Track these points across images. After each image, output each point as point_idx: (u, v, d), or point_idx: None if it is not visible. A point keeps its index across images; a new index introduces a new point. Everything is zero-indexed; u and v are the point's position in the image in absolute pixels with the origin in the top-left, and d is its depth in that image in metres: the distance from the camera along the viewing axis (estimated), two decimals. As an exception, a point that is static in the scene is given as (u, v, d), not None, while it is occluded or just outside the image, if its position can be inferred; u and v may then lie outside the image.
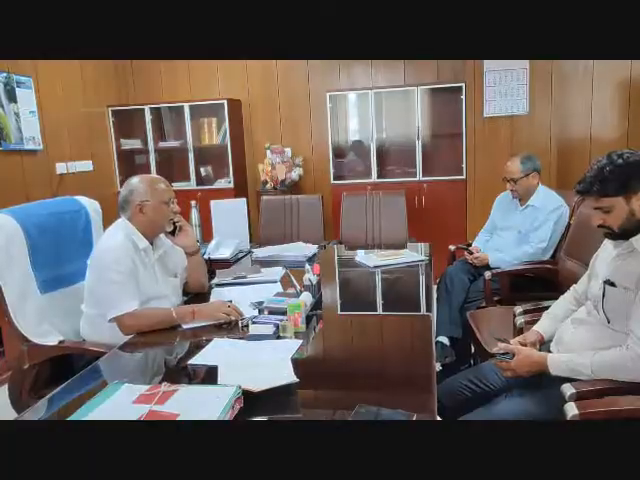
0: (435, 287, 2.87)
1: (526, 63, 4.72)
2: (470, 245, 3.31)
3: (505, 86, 4.79)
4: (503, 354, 1.70)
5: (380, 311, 2.26)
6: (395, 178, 4.99)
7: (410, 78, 5.01)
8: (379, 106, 4.99)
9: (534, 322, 1.95)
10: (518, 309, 2.19)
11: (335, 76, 5.18)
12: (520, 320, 2.11)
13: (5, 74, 3.97)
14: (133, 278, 2.01)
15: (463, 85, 4.72)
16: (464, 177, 4.85)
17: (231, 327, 1.91)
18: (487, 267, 2.98)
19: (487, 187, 4.64)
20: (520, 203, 3.11)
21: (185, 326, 1.95)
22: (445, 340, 2.84)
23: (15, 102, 4.06)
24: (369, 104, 4.91)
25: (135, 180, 2.16)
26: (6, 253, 2.03)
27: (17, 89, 4.07)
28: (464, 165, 4.84)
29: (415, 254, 2.90)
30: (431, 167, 4.95)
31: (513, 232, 3.08)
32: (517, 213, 3.11)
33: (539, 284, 2.86)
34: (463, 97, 4.73)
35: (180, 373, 1.65)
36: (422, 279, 2.68)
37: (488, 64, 4.77)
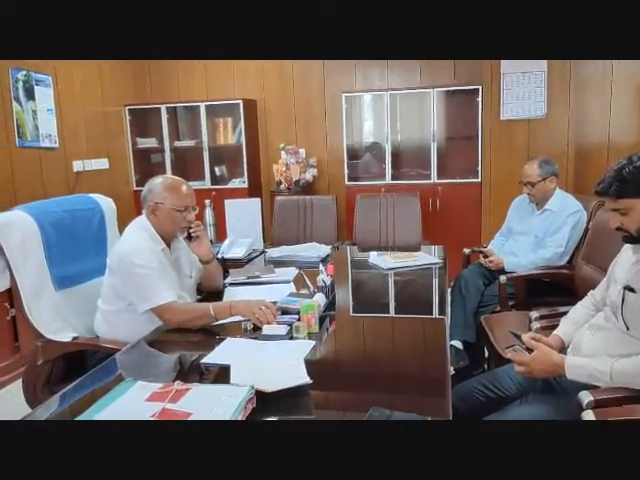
0: (449, 290, 2.85)
1: (544, 66, 4.67)
2: (485, 248, 3.27)
3: (522, 89, 4.75)
4: (520, 346, 1.65)
5: (393, 314, 2.24)
6: (409, 180, 4.97)
7: (426, 80, 4.98)
8: (394, 107, 4.97)
9: (550, 327, 1.93)
10: (534, 314, 2.16)
11: (351, 77, 5.17)
12: (536, 325, 2.08)
13: (24, 72, 4.01)
14: (163, 274, 2.01)
15: (480, 88, 4.69)
16: (479, 180, 4.81)
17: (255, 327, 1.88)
18: (502, 271, 2.95)
19: (503, 190, 4.60)
20: (537, 207, 3.07)
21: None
22: (459, 344, 2.81)
23: (33, 100, 4.10)
24: (384, 105, 4.89)
25: (158, 180, 2.16)
26: (22, 250, 2.04)
27: (36, 87, 4.12)
28: (479, 168, 4.80)
29: (429, 257, 2.88)
30: (446, 169, 4.93)
31: (529, 236, 3.05)
32: (534, 217, 3.07)
33: (555, 289, 2.82)
34: (479, 100, 4.70)
35: (193, 372, 1.65)
36: (435, 282, 2.66)
37: (505, 67, 4.73)
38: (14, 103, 3.93)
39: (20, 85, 3.98)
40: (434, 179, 4.85)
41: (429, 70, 4.97)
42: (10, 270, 2.06)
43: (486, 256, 3.10)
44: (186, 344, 1.91)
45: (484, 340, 2.60)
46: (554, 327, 1.89)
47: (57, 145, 4.38)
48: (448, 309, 2.14)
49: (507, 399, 1.76)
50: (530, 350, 1.65)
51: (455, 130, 4.96)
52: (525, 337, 1.69)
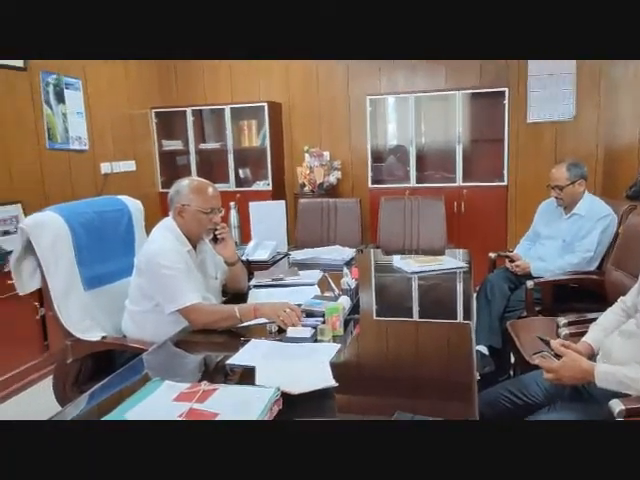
0: (474, 295, 2.82)
1: (572, 67, 4.60)
2: (511, 253, 3.23)
3: (550, 91, 4.69)
4: (548, 352, 1.63)
5: (417, 318, 2.23)
6: (434, 183, 4.94)
7: (451, 82, 4.95)
8: (418, 110, 4.95)
9: (579, 334, 1.89)
10: (562, 320, 2.13)
11: (375, 80, 5.16)
12: (564, 331, 2.05)
13: (55, 76, 4.10)
14: (189, 275, 2.04)
15: (506, 90, 4.64)
16: (505, 183, 4.76)
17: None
18: (529, 276, 2.91)
19: (529, 194, 4.54)
20: (565, 211, 3.03)
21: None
22: (484, 349, 2.78)
23: (63, 103, 4.19)
24: (409, 108, 4.87)
25: (185, 181, 2.18)
26: (53, 250, 2.08)
27: (66, 90, 4.20)
28: (505, 171, 4.75)
29: (454, 261, 2.86)
30: (471, 172, 4.89)
31: (557, 241, 3.00)
32: (562, 221, 3.03)
33: (583, 295, 2.77)
34: (506, 102, 4.65)
35: (218, 372, 1.66)
36: (460, 286, 2.64)
37: (532, 69, 4.67)
38: (45, 106, 4.02)
39: (51, 89, 4.06)
40: (459, 182, 4.81)
41: (454, 72, 4.94)
42: (41, 270, 2.10)
43: (512, 260, 3.06)
44: (211, 345, 1.93)
45: (510, 346, 2.56)
46: (583, 334, 1.86)
47: (87, 147, 4.46)
48: (474, 314, 2.12)
49: (534, 406, 1.74)
50: (558, 356, 1.62)
51: (480, 133, 4.92)
52: (554, 343, 1.66)
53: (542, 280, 2.81)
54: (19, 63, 3.78)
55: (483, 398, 1.79)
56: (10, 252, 3.15)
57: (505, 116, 4.67)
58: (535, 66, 4.65)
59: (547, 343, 1.69)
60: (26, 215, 3.61)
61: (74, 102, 4.30)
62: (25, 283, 2.15)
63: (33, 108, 3.95)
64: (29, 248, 2.09)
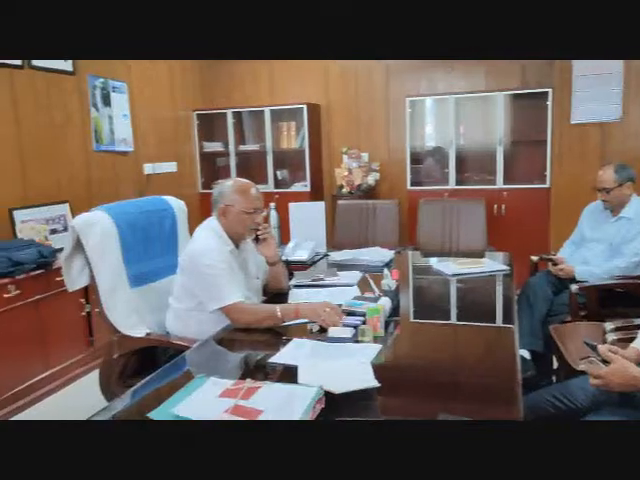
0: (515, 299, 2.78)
1: (620, 67, 4.47)
2: (555, 256, 3.16)
3: (595, 91, 4.56)
4: (595, 358, 1.59)
5: (457, 321, 2.21)
6: (473, 185, 4.88)
7: (492, 83, 4.88)
8: (458, 111, 4.90)
9: (627, 340, 1.84)
10: (609, 325, 2.07)
11: (415, 81, 5.13)
12: (611, 337, 2.00)
13: (102, 79, 4.23)
14: (232, 274, 2.07)
15: (550, 91, 4.55)
16: (548, 185, 4.66)
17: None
18: (572, 280, 2.84)
19: (573, 196, 4.42)
20: (612, 214, 2.95)
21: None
22: (526, 354, 2.73)
23: (110, 106, 4.31)
24: (449, 109, 4.83)
25: (228, 182, 2.22)
26: (101, 247, 2.15)
27: (112, 94, 4.33)
28: (548, 173, 4.65)
29: (496, 263, 2.82)
30: (512, 174, 4.81)
31: (603, 244, 2.93)
32: (608, 224, 2.95)
33: (630, 300, 2.69)
34: (549, 103, 4.56)
35: (260, 370, 1.68)
36: (500, 290, 2.60)
37: (577, 68, 4.56)
38: (92, 109, 4.15)
39: (98, 92, 4.19)
40: (499, 184, 4.74)
41: (495, 73, 4.86)
42: (90, 268, 2.17)
43: (556, 264, 3.00)
44: (253, 343, 1.96)
45: (553, 350, 2.51)
46: (631, 339, 1.81)
47: (131, 149, 4.58)
48: (516, 318, 2.08)
49: (578, 412, 1.70)
50: (606, 362, 1.58)
51: (521, 134, 4.83)
52: (601, 348, 1.62)
53: (587, 284, 2.74)
54: (68, 67, 3.92)
55: (526, 403, 1.76)
56: (58, 250, 3.28)
57: (548, 117, 4.58)
58: (580, 66, 4.53)
59: (594, 348, 1.64)
60: (73, 214, 3.73)
61: (120, 105, 4.42)
62: (74, 280, 2.22)
63: (81, 111, 4.08)
64: (78, 246, 2.16)
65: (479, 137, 5.01)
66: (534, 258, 3.27)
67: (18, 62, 3.53)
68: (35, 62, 3.64)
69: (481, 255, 3.12)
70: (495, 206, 4.67)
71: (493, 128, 4.76)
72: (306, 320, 1.94)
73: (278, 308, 1.99)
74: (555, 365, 2.70)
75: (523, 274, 3.21)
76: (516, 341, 1.80)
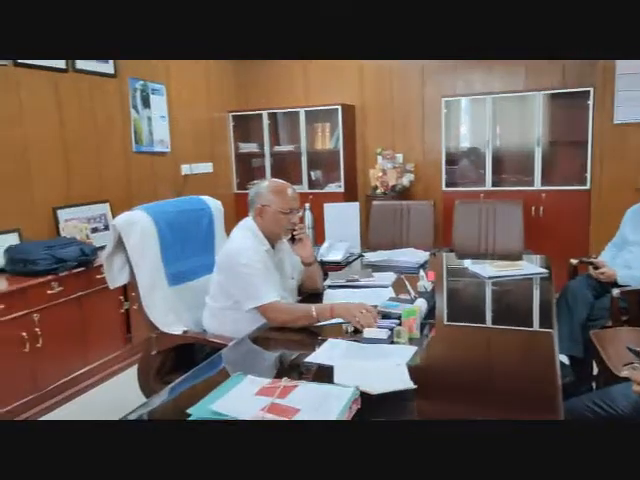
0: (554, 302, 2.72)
1: (666, 65, 4.33)
2: (595, 259, 3.09)
3: None
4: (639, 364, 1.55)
5: (495, 324, 2.18)
6: (510, 186, 4.80)
7: (531, 83, 4.79)
8: (495, 111, 4.82)
9: (672, 347, 1.78)
10: (653, 331, 2.01)
11: (451, 81, 5.08)
12: (655, 343, 1.94)
13: (142, 82, 4.32)
14: (267, 274, 2.09)
15: (591, 90, 4.44)
16: (588, 187, 4.55)
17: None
18: (614, 284, 2.77)
19: (614, 198, 4.31)
20: (656, 216, 2.86)
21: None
22: (565, 359, 2.67)
23: (149, 107, 4.41)
24: (486, 110, 4.77)
25: (265, 183, 2.25)
26: (141, 246, 2.19)
27: (151, 96, 4.42)
28: (588, 174, 4.54)
29: (534, 266, 2.77)
30: (550, 176, 4.72)
31: (648, 248, 2.84)
32: (653, 227, 2.86)
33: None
34: (590, 102, 4.45)
35: (296, 370, 1.69)
36: (537, 293, 2.56)
37: (621, 67, 4.43)
38: (132, 111, 4.25)
39: (138, 94, 4.29)
40: (537, 185, 4.65)
41: (535, 72, 4.78)
42: (130, 265, 2.22)
43: (596, 267, 2.92)
44: (288, 343, 1.97)
45: (593, 356, 2.45)
46: (677, 346, 1.75)
47: (168, 150, 4.67)
48: (555, 322, 2.04)
49: (620, 419, 1.65)
50: None
51: (561, 134, 4.74)
52: None
53: (629, 289, 2.67)
54: (110, 70, 4.02)
55: (565, 409, 1.73)
56: (99, 248, 3.37)
57: (589, 117, 4.47)
58: (623, 65, 4.40)
59: (638, 354, 1.60)
60: (113, 214, 3.83)
61: (158, 106, 4.52)
62: (115, 277, 2.28)
63: (122, 113, 4.18)
64: (119, 244, 2.21)
65: (516, 137, 4.93)
66: (574, 261, 3.20)
67: (62, 66, 3.65)
68: (79, 65, 3.75)
69: (518, 258, 3.07)
70: (533, 208, 4.58)
71: (531, 128, 4.68)
72: (341, 320, 1.94)
73: (313, 307, 2.00)
74: (595, 371, 2.63)
75: (562, 277, 3.14)
76: (556, 346, 1.76)
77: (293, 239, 2.28)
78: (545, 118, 4.66)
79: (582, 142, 4.54)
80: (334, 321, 1.96)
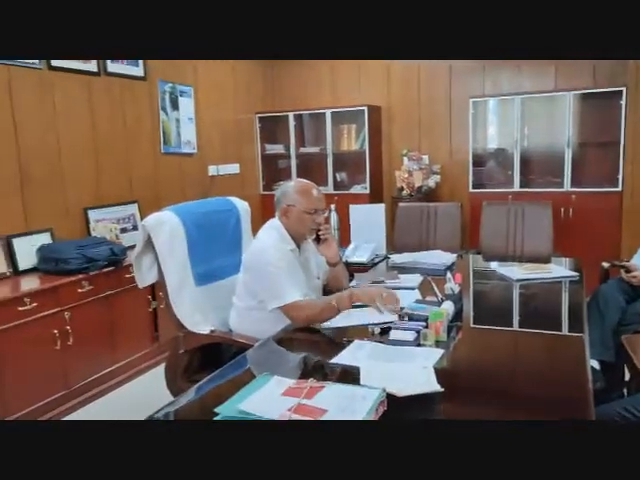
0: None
1: (702, 64, 4.22)
2: (627, 262, 3.02)
3: (674, 89, 4.32)
4: None
5: (523, 328, 2.15)
6: (539, 188, 4.73)
7: (562, 83, 4.72)
8: (524, 112, 4.76)
9: None
10: (688, 337, 1.96)
11: (479, 81, 5.03)
12: (690, 349, 1.89)
13: (171, 84, 4.39)
14: (291, 274, 2.10)
15: (624, 89, 4.35)
16: (619, 189, 4.46)
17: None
18: (647, 288, 2.71)
19: (647, 200, 4.22)
20: (691, 219, 2.78)
21: (326, 325, 2.00)
22: (595, 364, 2.62)
23: (177, 109, 4.47)
24: (514, 110, 4.70)
25: (290, 183, 2.26)
26: (170, 246, 2.22)
27: (180, 98, 4.49)
28: (620, 176, 4.45)
29: (564, 269, 2.72)
30: (581, 177, 4.63)
31: (681, 251, 2.77)
32: (687, 230, 2.79)
33: None
34: (623, 102, 4.36)
35: (322, 371, 1.69)
36: (567, 297, 2.51)
37: (655, 66, 4.34)
38: (161, 113, 4.31)
39: (167, 96, 4.35)
40: (567, 187, 4.58)
41: (565, 72, 4.70)
42: (158, 265, 2.25)
43: (628, 271, 2.85)
44: (314, 344, 1.98)
45: (625, 361, 2.40)
46: None
47: (195, 151, 4.72)
48: (586, 326, 2.00)
49: (652, 426, 1.62)
50: None
51: (592, 135, 4.65)
52: None
53: (663, 293, 2.61)
54: (140, 73, 4.09)
55: (595, 415, 1.70)
56: (128, 248, 3.42)
57: (621, 117, 4.38)
58: (658, 63, 4.31)
59: None
60: (141, 214, 3.89)
61: (186, 108, 4.57)
62: (144, 277, 2.31)
63: (151, 114, 4.25)
64: (148, 244, 2.25)
65: (545, 138, 4.86)
66: (605, 265, 3.13)
67: (95, 69, 3.72)
68: (110, 69, 3.82)
69: (547, 260, 3.02)
70: (562, 210, 4.51)
71: (561, 129, 4.60)
72: (366, 322, 1.93)
73: (333, 297, 2.01)
74: (627, 377, 2.58)
75: (592, 281, 3.07)
76: (586, 350, 1.73)
77: (318, 239, 2.28)
78: (575, 118, 4.58)
79: (614, 143, 4.45)
80: (358, 323, 1.96)
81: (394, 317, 1.95)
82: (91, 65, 3.68)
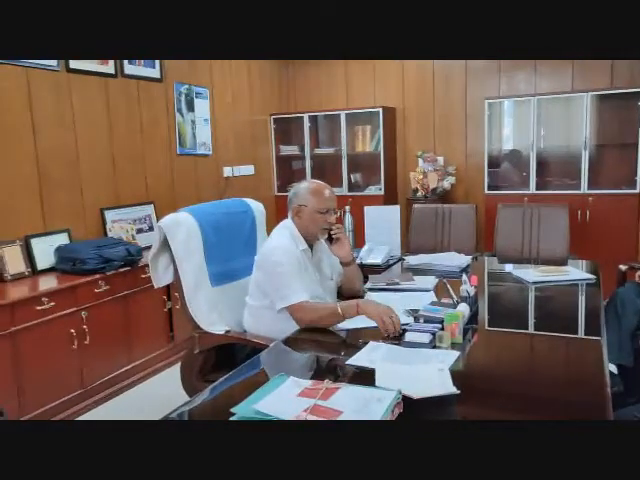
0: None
1: None
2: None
3: (694, 90, 4.26)
4: None
5: (535, 330, 2.13)
6: (555, 190, 4.69)
7: (579, 84, 4.67)
8: (540, 113, 4.72)
9: None
10: None
11: (494, 82, 5.01)
12: None
13: (187, 86, 4.42)
14: (300, 274, 2.11)
15: (642, 90, 4.30)
16: (637, 191, 4.40)
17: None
18: (666, 291, 2.67)
19: (666, 203, 4.16)
20: None
21: (342, 326, 2.00)
22: (613, 368, 2.59)
23: (193, 111, 4.50)
24: (530, 111, 4.67)
25: (303, 183, 2.27)
26: (186, 247, 2.24)
27: (195, 99, 4.51)
28: (638, 178, 4.39)
29: (581, 272, 2.70)
30: (598, 179, 4.58)
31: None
32: None
33: None
34: (641, 103, 4.31)
35: (337, 372, 1.69)
36: (583, 300, 2.48)
37: (674, 66, 4.28)
38: (177, 114, 4.34)
39: (183, 98, 4.38)
40: (584, 189, 4.53)
41: (582, 73, 4.66)
42: (174, 266, 2.27)
43: (646, 274, 2.83)
44: (329, 345, 1.98)
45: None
46: None
47: (211, 152, 4.75)
48: (603, 330, 1.98)
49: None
50: None
51: (609, 137, 4.60)
52: None
53: (682, 297, 2.57)
54: (156, 75, 4.12)
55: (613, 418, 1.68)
56: (144, 248, 3.45)
57: (640, 118, 4.33)
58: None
59: None
60: (157, 215, 3.92)
61: (202, 110, 4.60)
62: (160, 277, 2.33)
63: (167, 116, 4.28)
64: (164, 245, 2.27)
65: (562, 140, 4.82)
66: (622, 267, 3.11)
67: (112, 71, 3.76)
68: (127, 70, 3.86)
69: (563, 263, 2.99)
70: (579, 212, 4.46)
71: (578, 130, 4.56)
72: (371, 323, 1.92)
73: (339, 305, 2.01)
74: (645, 381, 2.54)
75: (610, 284, 3.04)
76: (604, 354, 1.71)
77: (331, 239, 2.28)
78: (593, 119, 4.53)
79: (632, 144, 4.40)
80: (365, 325, 1.95)
81: (410, 319, 1.95)
82: (108, 67, 3.72)
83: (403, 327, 1.87)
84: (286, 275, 2.06)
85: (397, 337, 1.84)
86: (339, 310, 1.98)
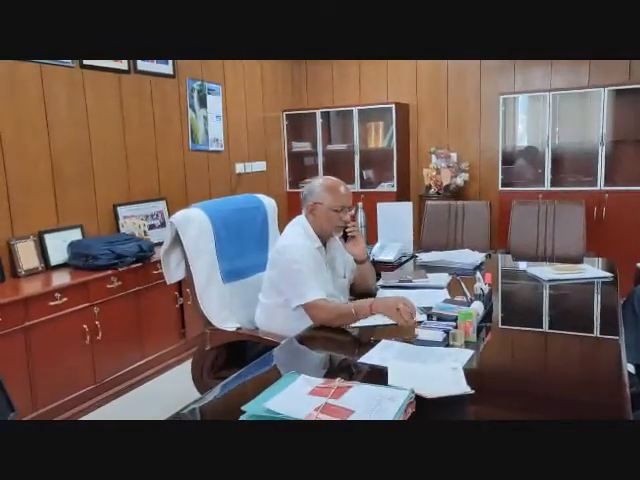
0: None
1: None
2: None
3: None
4: None
5: (550, 329, 2.09)
6: (570, 187, 4.62)
7: (595, 79, 4.60)
8: (555, 109, 4.65)
9: None
10: None
11: (509, 78, 4.95)
12: None
13: (199, 82, 4.41)
14: (316, 272, 2.09)
15: (660, 85, 4.22)
16: (655, 188, 4.33)
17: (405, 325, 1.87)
18: (685, 290, 2.61)
19: (685, 200, 4.09)
20: None
21: (354, 324, 1.98)
22: (630, 368, 2.54)
23: (205, 107, 4.49)
24: (546, 107, 4.61)
25: (318, 180, 2.25)
26: (198, 243, 2.23)
27: (208, 96, 4.51)
28: (656, 174, 4.32)
29: (597, 270, 2.65)
30: (614, 175, 4.52)
31: None
32: None
33: None
34: (659, 98, 4.23)
35: (348, 370, 1.68)
36: (599, 298, 2.44)
37: (694, 61, 4.20)
38: (189, 110, 4.34)
39: (195, 94, 4.38)
40: (600, 186, 4.46)
41: (599, 68, 4.58)
42: (186, 262, 2.26)
43: (665, 272, 2.77)
44: (341, 343, 1.96)
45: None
46: None
47: (223, 148, 4.75)
48: (621, 329, 1.94)
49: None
50: None
51: (626, 133, 4.52)
52: None
53: (702, 296, 2.51)
54: (169, 71, 4.12)
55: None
56: (156, 244, 3.46)
57: (658, 114, 4.26)
58: (697, 58, 4.17)
59: None
60: (169, 211, 3.92)
61: (214, 106, 4.60)
62: (172, 274, 2.33)
63: (179, 112, 4.28)
64: (176, 241, 2.26)
65: (577, 136, 4.76)
66: (640, 265, 3.05)
67: (125, 67, 3.76)
68: (140, 67, 3.86)
69: (578, 261, 2.95)
70: (595, 209, 4.40)
71: (593, 126, 4.49)
72: (388, 321, 1.91)
73: (353, 305, 1.99)
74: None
75: (627, 283, 2.99)
76: (623, 354, 1.68)
77: (345, 237, 2.26)
78: (609, 115, 4.46)
79: (649, 141, 4.33)
80: (377, 323, 1.93)
81: (423, 317, 1.92)
82: (121, 63, 3.73)
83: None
84: (303, 273, 2.05)
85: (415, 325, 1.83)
86: (353, 311, 1.97)
